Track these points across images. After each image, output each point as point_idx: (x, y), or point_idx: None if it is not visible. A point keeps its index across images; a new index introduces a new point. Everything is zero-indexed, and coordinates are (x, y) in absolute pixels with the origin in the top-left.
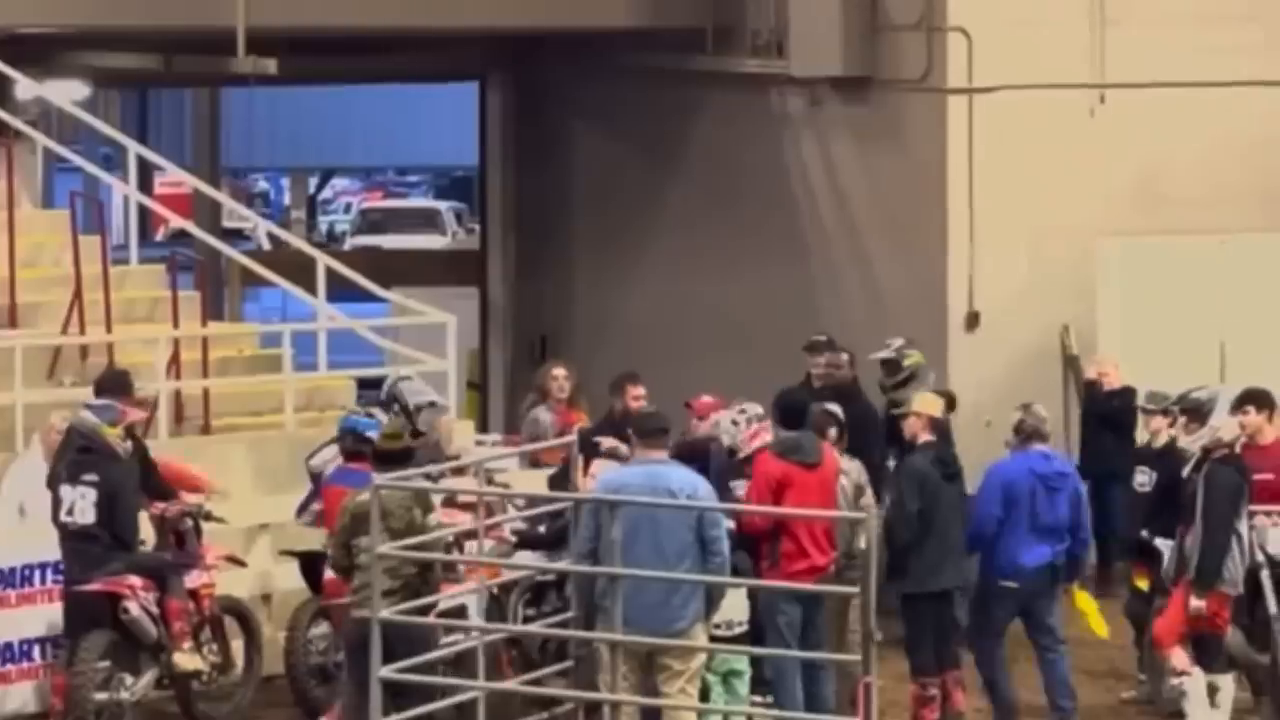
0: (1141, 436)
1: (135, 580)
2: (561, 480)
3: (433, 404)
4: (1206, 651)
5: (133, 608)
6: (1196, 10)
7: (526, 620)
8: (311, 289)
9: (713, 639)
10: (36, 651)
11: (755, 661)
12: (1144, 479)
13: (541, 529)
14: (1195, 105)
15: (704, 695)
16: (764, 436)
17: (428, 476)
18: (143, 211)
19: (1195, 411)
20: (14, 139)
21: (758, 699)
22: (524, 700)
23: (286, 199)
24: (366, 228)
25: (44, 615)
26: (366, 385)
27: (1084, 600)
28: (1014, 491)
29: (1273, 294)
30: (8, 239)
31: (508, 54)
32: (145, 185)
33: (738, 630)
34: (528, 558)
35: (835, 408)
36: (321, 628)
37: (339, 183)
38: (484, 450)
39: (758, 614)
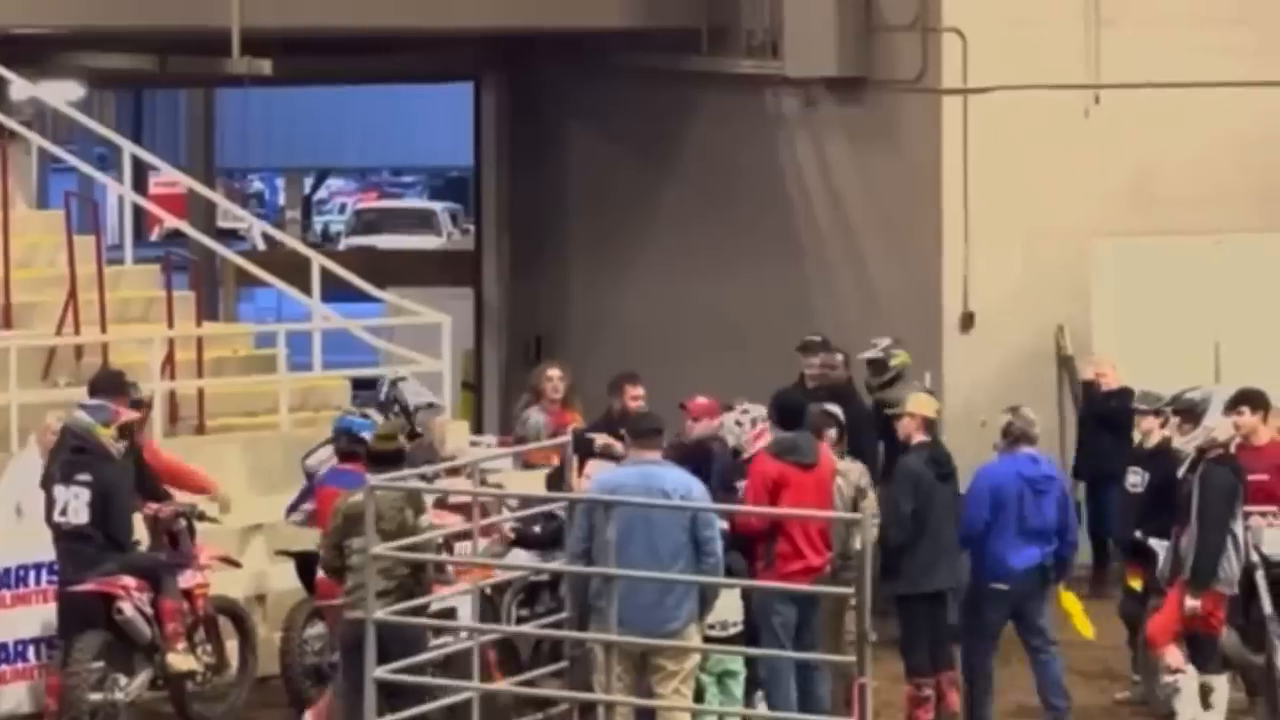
0: (1135, 437)
1: (129, 580)
2: (556, 480)
3: (431, 405)
4: (1201, 652)
5: (127, 608)
6: (1191, 11)
7: (520, 621)
8: (306, 289)
9: (707, 640)
10: (31, 652)
11: (750, 662)
12: (1136, 479)
13: (537, 528)
14: (1190, 106)
15: (699, 696)
16: (768, 437)
17: (423, 477)
18: (138, 212)
19: (1189, 412)
20: (9, 139)
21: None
22: (517, 701)
23: (281, 199)
24: (361, 228)
25: (39, 616)
26: (361, 385)
27: (1069, 601)
28: (1001, 495)
29: (1267, 294)
30: (2, 239)
31: (502, 54)
32: (140, 185)
33: (732, 631)
34: (522, 557)
35: (836, 409)
36: (317, 628)
37: (334, 183)
38: (478, 451)
39: (752, 614)
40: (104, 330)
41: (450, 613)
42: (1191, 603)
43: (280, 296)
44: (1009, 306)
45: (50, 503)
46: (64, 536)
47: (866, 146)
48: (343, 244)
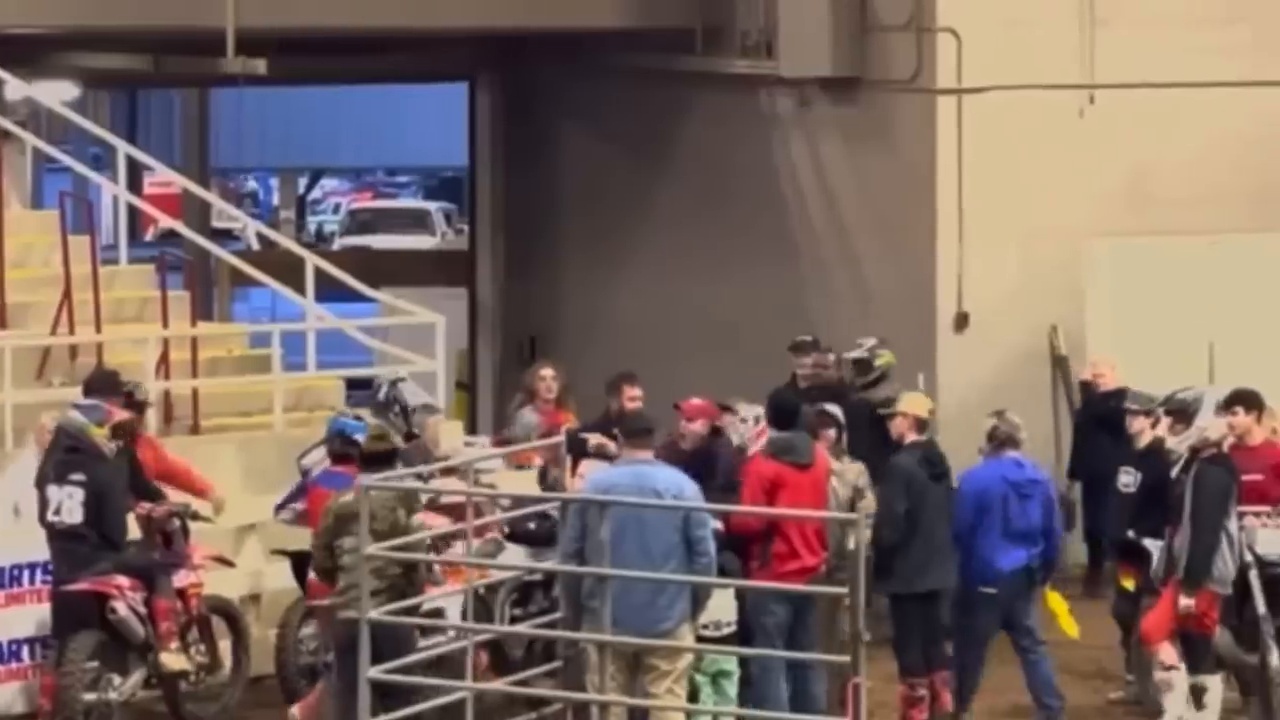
0: None
1: (123, 580)
2: (543, 479)
3: (427, 406)
4: (1195, 652)
5: (120, 608)
6: (1185, 11)
7: (514, 620)
8: (300, 289)
9: (701, 639)
10: (25, 652)
11: (744, 662)
12: (1128, 479)
13: (532, 525)
14: (1184, 106)
15: (693, 696)
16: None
17: (417, 477)
18: (132, 212)
19: (1181, 412)
20: (3, 139)
21: None
22: (507, 701)
23: (276, 199)
24: (355, 228)
25: (33, 615)
26: (355, 385)
27: (1055, 601)
28: (986, 499)
29: (1262, 295)
30: None
31: (496, 54)
32: (134, 185)
33: (726, 631)
34: (517, 554)
35: (835, 409)
36: (312, 627)
37: (328, 183)
38: (472, 451)
39: (746, 615)
40: (99, 330)
41: (438, 613)
42: (1185, 601)
43: (275, 296)
44: (1003, 307)
45: (44, 502)
46: (58, 536)
47: (861, 146)
48: (337, 244)
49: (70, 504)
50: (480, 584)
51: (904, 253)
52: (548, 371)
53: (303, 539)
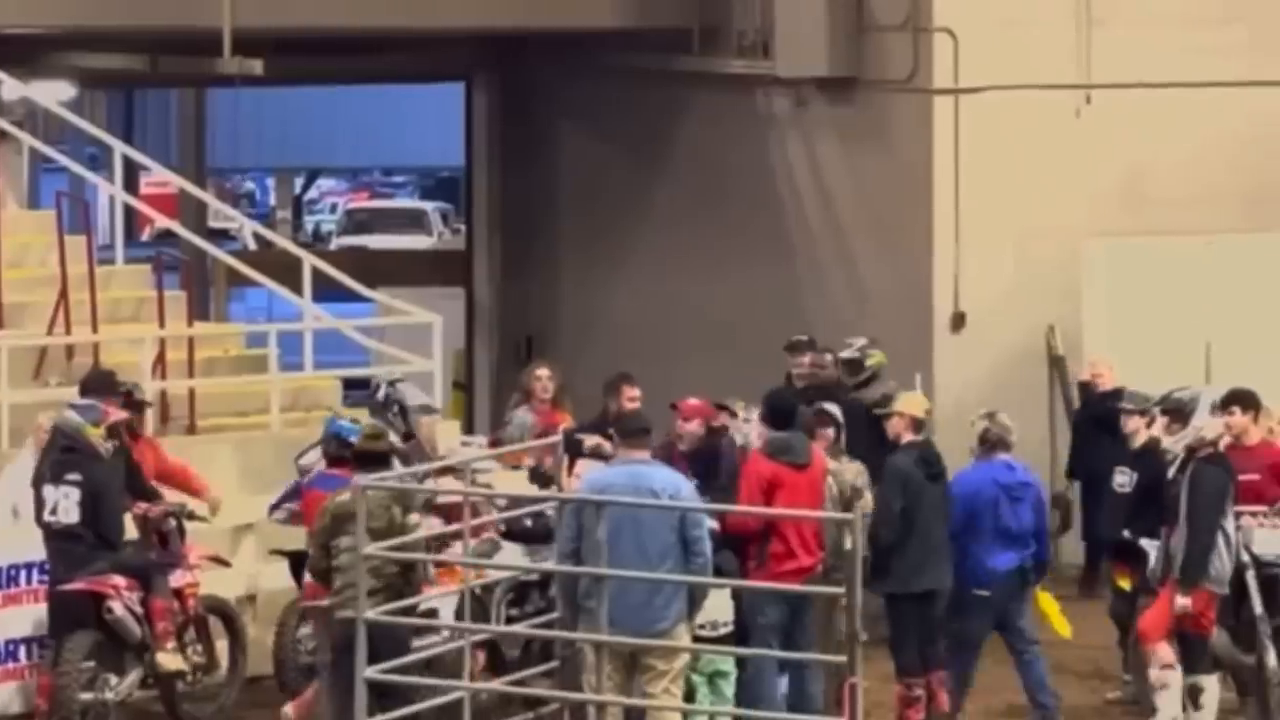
0: None
1: (119, 580)
2: (537, 478)
3: (425, 407)
4: (1191, 652)
5: (117, 607)
6: (1182, 11)
7: (510, 620)
8: (297, 289)
9: (698, 639)
10: (22, 652)
11: (741, 662)
12: (1123, 479)
13: (528, 522)
14: (1181, 106)
15: (689, 696)
16: None
17: (413, 477)
18: (128, 211)
19: (1177, 412)
20: (0, 139)
21: None
22: (502, 701)
23: (272, 199)
24: (352, 228)
25: (30, 615)
26: (352, 385)
27: (1046, 601)
28: (977, 501)
29: (1258, 295)
30: None
31: (493, 54)
32: (131, 185)
33: (723, 631)
34: (513, 553)
35: (834, 408)
36: (310, 628)
37: (325, 183)
38: (468, 452)
39: (743, 615)
40: (95, 330)
41: (432, 614)
42: (1182, 601)
43: (271, 296)
44: (1000, 307)
45: (40, 502)
46: (54, 536)
47: (857, 146)
48: (334, 244)
49: (66, 504)
50: (476, 584)
51: (900, 252)
52: (544, 371)
53: (300, 539)
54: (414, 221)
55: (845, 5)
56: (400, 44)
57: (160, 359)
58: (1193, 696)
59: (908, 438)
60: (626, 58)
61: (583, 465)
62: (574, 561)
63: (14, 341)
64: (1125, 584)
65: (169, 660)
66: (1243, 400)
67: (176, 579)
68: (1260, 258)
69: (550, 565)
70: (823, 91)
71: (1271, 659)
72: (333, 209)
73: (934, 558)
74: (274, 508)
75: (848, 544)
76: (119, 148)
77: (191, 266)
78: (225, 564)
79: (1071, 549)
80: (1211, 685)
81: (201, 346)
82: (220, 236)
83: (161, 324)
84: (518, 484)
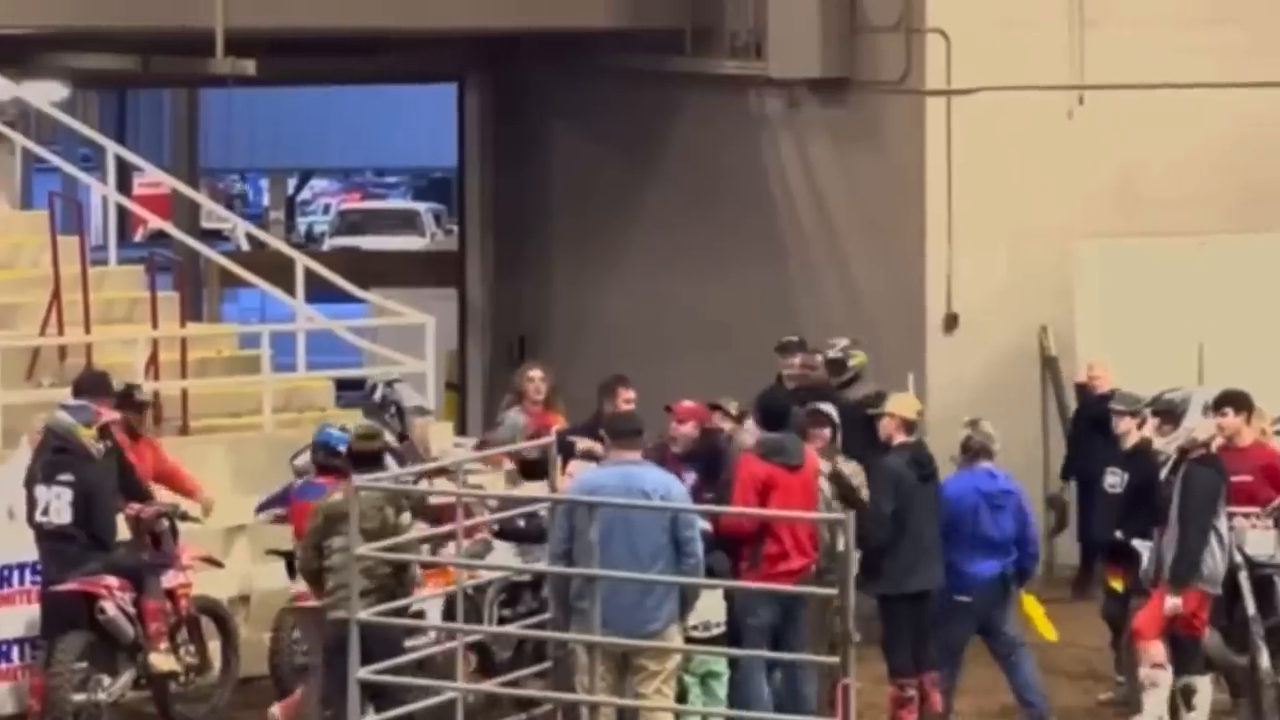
0: None
1: (112, 580)
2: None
3: (419, 408)
4: (1184, 653)
5: (109, 608)
6: (1175, 12)
7: (502, 621)
8: (290, 290)
9: (690, 640)
10: (14, 652)
11: (733, 663)
12: (1114, 480)
13: (521, 522)
14: (1173, 107)
15: (682, 697)
16: None
17: (406, 478)
18: (121, 212)
19: (1169, 413)
20: None
21: None
22: (489, 702)
23: (265, 200)
24: (345, 229)
25: (22, 616)
26: (345, 386)
27: (1030, 604)
28: (958, 509)
29: (1250, 296)
30: None
31: (486, 55)
32: (124, 186)
33: (715, 632)
34: (506, 553)
35: (829, 408)
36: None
37: (317, 184)
38: (459, 453)
39: (735, 615)
40: (88, 331)
41: (418, 615)
42: (1173, 600)
43: (264, 297)
44: (992, 308)
45: (32, 503)
46: (46, 537)
47: (850, 147)
48: (326, 245)
49: (59, 504)
50: (469, 584)
51: (893, 253)
52: (536, 373)
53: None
54: (407, 222)
55: (838, 6)
56: (393, 44)
57: (153, 360)
58: (1186, 698)
59: (899, 439)
60: (619, 58)
61: (575, 467)
62: (566, 562)
63: (7, 342)
64: (1117, 585)
65: (161, 661)
66: (1235, 402)
67: (169, 580)
68: (1252, 259)
69: (542, 566)
70: (815, 92)
71: (1264, 660)
72: (326, 210)
73: (926, 559)
74: (261, 508)
75: (840, 545)
76: (112, 148)
77: (184, 267)
78: (218, 565)
79: (1065, 550)
80: (1204, 686)
81: (194, 347)
82: (213, 237)
83: (154, 325)
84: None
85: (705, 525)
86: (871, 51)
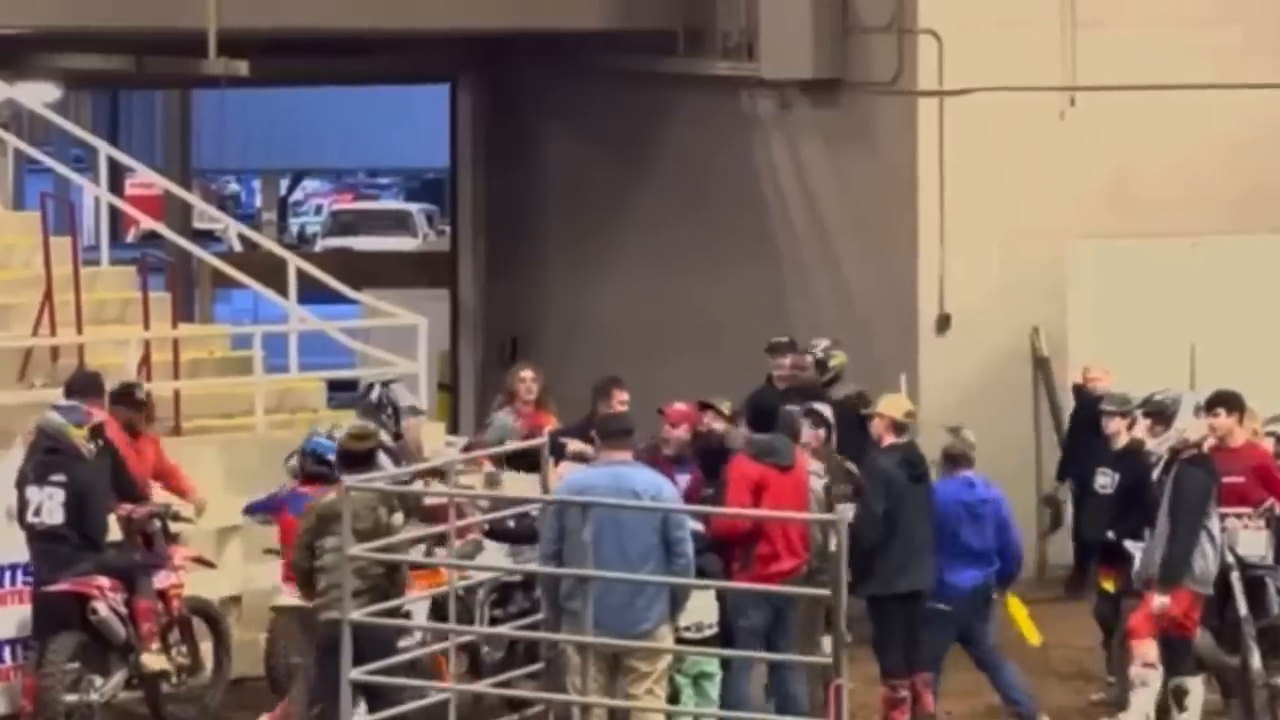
0: None
1: (103, 581)
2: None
3: (413, 408)
4: (1175, 654)
5: (101, 608)
6: (1167, 13)
7: (494, 621)
8: (282, 291)
9: (683, 641)
10: (6, 653)
11: (726, 664)
12: (1105, 480)
13: (511, 523)
14: (1166, 108)
15: (674, 697)
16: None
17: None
18: (114, 213)
19: (1160, 414)
20: None
21: None
22: (477, 701)
23: (257, 201)
24: (337, 229)
25: (14, 616)
26: (337, 387)
27: (1015, 606)
28: (938, 519)
29: (1243, 297)
30: None
31: (479, 55)
32: (116, 187)
33: (707, 632)
34: (496, 552)
35: (824, 408)
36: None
37: (310, 184)
38: (452, 453)
39: (727, 616)
40: (80, 331)
41: (406, 616)
42: (1160, 599)
43: (256, 298)
44: (985, 308)
45: (23, 504)
46: (38, 537)
47: (842, 148)
48: (319, 245)
49: (50, 505)
50: (460, 585)
51: (885, 254)
52: (527, 373)
53: None
54: (399, 223)
55: (830, 7)
56: (385, 45)
57: (145, 360)
58: (1177, 698)
59: (889, 439)
60: (612, 59)
61: (565, 467)
62: (556, 563)
63: None
64: (1109, 586)
65: (153, 661)
66: (1228, 402)
67: (161, 580)
68: (1246, 260)
69: (533, 566)
70: (807, 93)
71: (1256, 660)
72: (318, 210)
73: (917, 559)
74: (249, 510)
75: (833, 545)
76: (104, 149)
77: (176, 268)
78: (210, 565)
79: (1059, 550)
80: (1196, 687)
81: (186, 348)
82: (205, 238)
83: (146, 325)
84: (510, 484)
85: (698, 526)
86: (863, 52)
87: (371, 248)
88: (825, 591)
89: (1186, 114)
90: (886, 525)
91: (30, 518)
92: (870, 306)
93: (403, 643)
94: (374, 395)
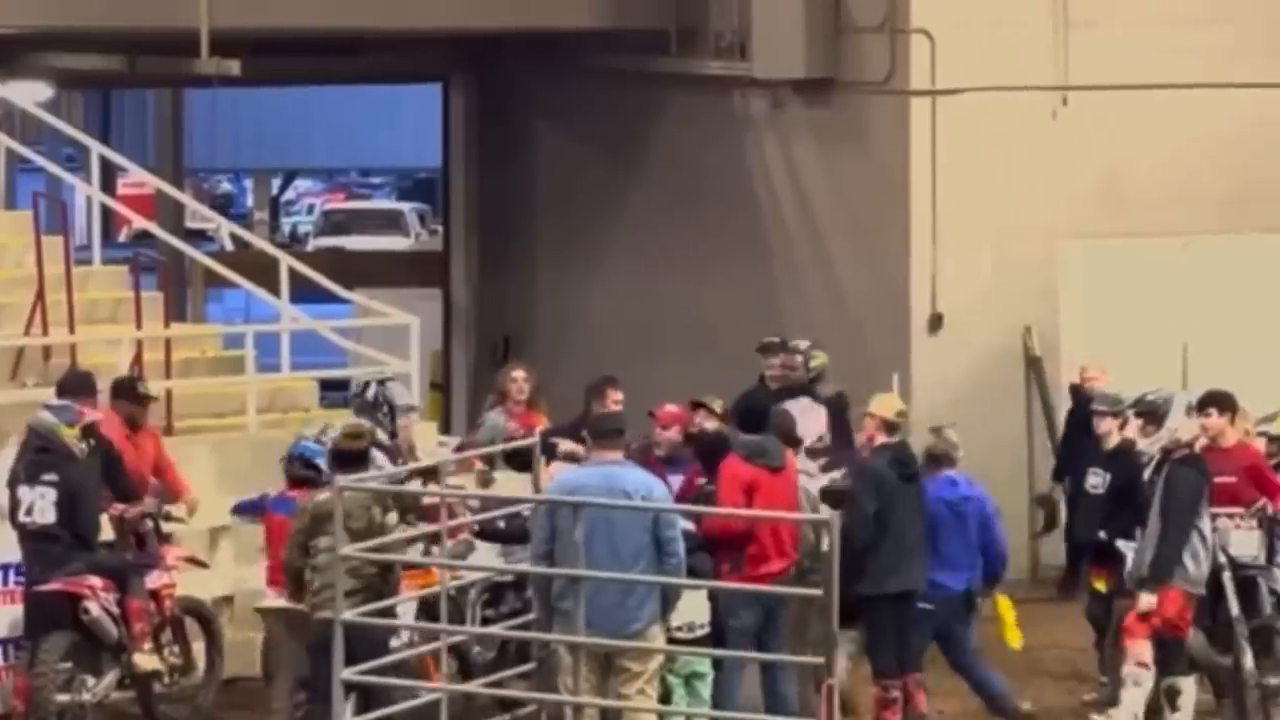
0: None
1: (95, 580)
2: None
3: (408, 407)
4: (1168, 654)
5: (93, 608)
6: (1159, 13)
7: (485, 621)
8: (275, 290)
9: (675, 641)
10: None
11: (718, 664)
12: (1097, 480)
13: (501, 523)
14: (1158, 107)
15: (666, 698)
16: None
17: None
18: (106, 212)
19: (1152, 414)
20: None
21: None
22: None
23: (249, 200)
24: (329, 229)
25: (6, 616)
26: (330, 387)
27: (1004, 606)
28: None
29: (1235, 296)
30: None
31: (470, 55)
32: (108, 186)
33: (699, 632)
34: (488, 552)
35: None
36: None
37: (302, 184)
38: (445, 453)
39: (719, 616)
40: (72, 331)
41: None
42: (1148, 598)
43: (248, 297)
44: (977, 308)
45: (15, 503)
46: (29, 537)
47: (834, 148)
48: (311, 245)
49: (42, 504)
50: (452, 585)
51: (878, 254)
52: (519, 373)
53: None
54: (391, 222)
55: (822, 7)
56: (377, 45)
57: (137, 360)
58: (1170, 698)
59: (880, 439)
60: (604, 59)
61: (557, 467)
62: (548, 563)
63: None
64: (1101, 586)
65: (146, 661)
66: (1219, 402)
67: (153, 580)
68: (1237, 259)
69: (524, 566)
70: (800, 93)
71: (1248, 660)
72: (310, 210)
73: (908, 559)
74: (237, 509)
75: (825, 545)
76: (96, 148)
77: (169, 267)
78: (203, 565)
79: (1051, 550)
80: (1189, 687)
81: (179, 347)
82: (197, 237)
83: (139, 325)
84: (504, 484)
85: (689, 526)
86: (856, 52)
87: (364, 247)
88: (817, 592)
89: (1178, 114)
90: (878, 525)
91: (22, 517)
92: (862, 306)
93: (393, 643)
94: (370, 393)
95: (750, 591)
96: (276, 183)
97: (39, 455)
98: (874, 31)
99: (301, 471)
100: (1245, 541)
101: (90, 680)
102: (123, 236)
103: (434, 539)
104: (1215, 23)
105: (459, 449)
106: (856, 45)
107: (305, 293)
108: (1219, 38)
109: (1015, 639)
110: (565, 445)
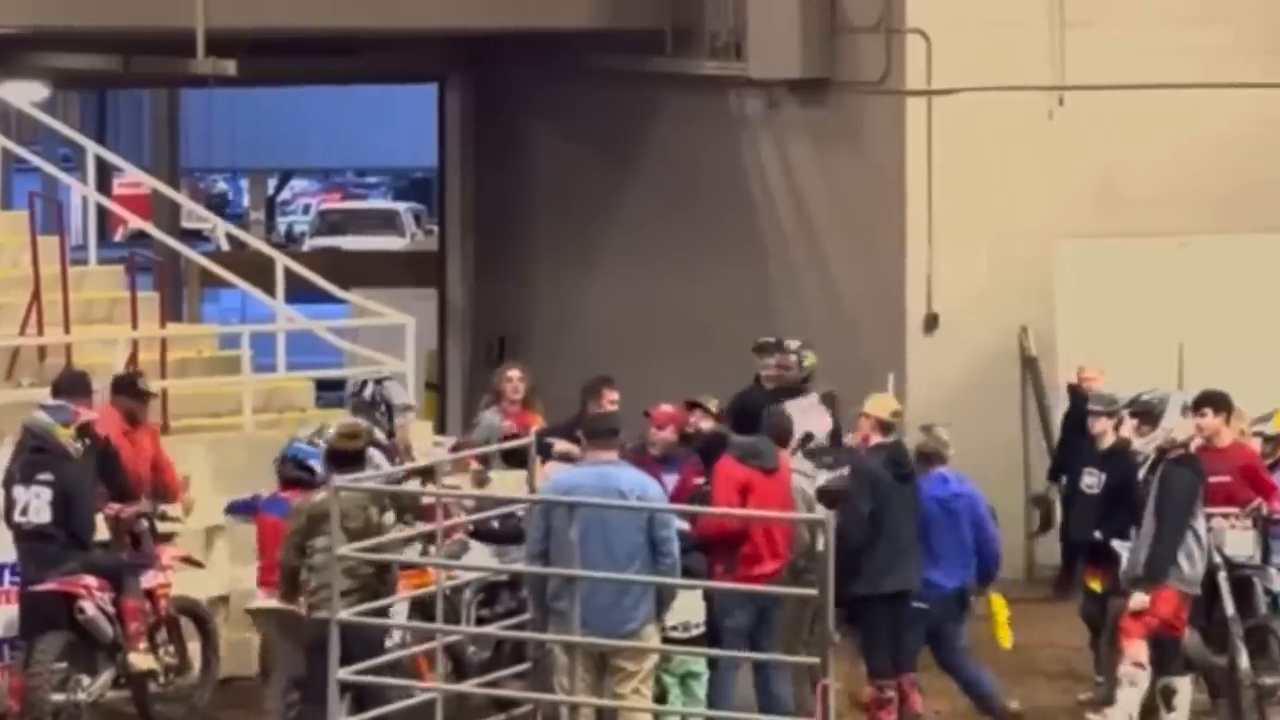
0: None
1: (91, 580)
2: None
3: (405, 406)
4: (1164, 654)
5: (89, 608)
6: (1156, 12)
7: (480, 621)
8: (270, 290)
9: (670, 641)
10: None
11: (713, 663)
12: (1092, 480)
13: (495, 524)
14: (1153, 108)
15: (662, 697)
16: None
17: (389, 479)
18: (101, 212)
19: (1147, 414)
20: None
21: None
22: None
23: (245, 200)
24: (325, 229)
25: (1, 616)
26: (325, 387)
27: (998, 605)
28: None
29: (1231, 296)
30: None
31: (467, 55)
32: (104, 186)
33: (695, 632)
34: (483, 552)
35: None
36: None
37: (298, 184)
38: (441, 453)
39: (714, 616)
40: (68, 331)
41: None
42: (1141, 598)
43: (244, 297)
44: (973, 308)
45: (10, 503)
46: (25, 537)
47: (830, 148)
48: (307, 245)
49: (38, 504)
50: (447, 585)
51: (873, 254)
52: (514, 373)
53: None
54: (387, 222)
55: (818, 6)
56: (373, 45)
57: (133, 360)
58: (1165, 698)
59: (875, 439)
60: (599, 59)
61: (551, 468)
62: (543, 562)
63: None
64: (1096, 586)
65: (141, 661)
66: (1215, 402)
67: (148, 579)
68: (1233, 259)
69: (519, 566)
70: (795, 93)
71: (1243, 660)
72: (306, 210)
73: (903, 559)
74: (230, 509)
75: (819, 545)
76: (92, 148)
77: (164, 267)
78: (198, 565)
79: (1047, 550)
80: (1184, 687)
81: (174, 347)
82: (193, 237)
83: (134, 325)
84: (500, 484)
85: (683, 525)
86: (851, 52)
87: (359, 247)
88: (812, 591)
89: (1174, 114)
90: (872, 525)
91: (17, 517)
92: (858, 306)
93: (387, 642)
94: (367, 393)
95: (744, 591)
96: (272, 183)
97: (34, 455)
98: (869, 31)
99: (294, 473)
100: (1240, 541)
101: (85, 680)
102: (118, 236)
103: (429, 539)
104: (1212, 22)
105: (455, 449)
106: (852, 45)
107: (301, 293)
108: (1216, 37)
109: (1006, 638)
110: (560, 445)
